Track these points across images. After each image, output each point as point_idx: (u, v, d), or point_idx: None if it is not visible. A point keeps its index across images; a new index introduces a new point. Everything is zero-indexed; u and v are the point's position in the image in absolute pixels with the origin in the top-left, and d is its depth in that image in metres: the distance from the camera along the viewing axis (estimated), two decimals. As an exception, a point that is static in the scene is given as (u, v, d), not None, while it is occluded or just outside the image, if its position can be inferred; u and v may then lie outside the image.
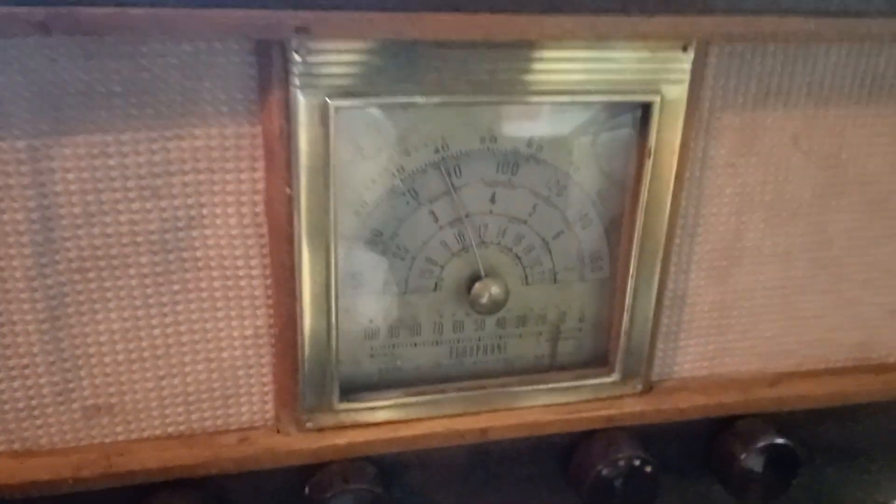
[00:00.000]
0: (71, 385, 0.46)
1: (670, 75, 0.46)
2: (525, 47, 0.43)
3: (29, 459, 0.46)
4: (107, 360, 0.46)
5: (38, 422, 0.46)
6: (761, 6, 0.44)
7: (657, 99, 0.46)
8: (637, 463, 0.50)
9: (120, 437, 0.48)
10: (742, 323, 0.56)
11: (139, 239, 0.44)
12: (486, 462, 0.52)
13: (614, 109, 0.48)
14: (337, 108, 0.42)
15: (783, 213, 0.53)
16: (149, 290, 0.45)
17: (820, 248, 0.55)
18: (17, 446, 0.46)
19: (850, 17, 0.46)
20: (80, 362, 0.46)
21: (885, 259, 0.56)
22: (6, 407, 0.45)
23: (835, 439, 0.59)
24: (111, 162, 0.42)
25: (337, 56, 0.41)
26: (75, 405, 0.46)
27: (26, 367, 0.45)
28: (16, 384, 0.45)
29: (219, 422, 0.49)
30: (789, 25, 0.45)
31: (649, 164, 0.48)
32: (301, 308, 0.46)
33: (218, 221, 0.45)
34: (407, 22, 0.40)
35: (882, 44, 0.50)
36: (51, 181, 0.41)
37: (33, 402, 0.46)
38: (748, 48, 0.48)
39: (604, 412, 0.53)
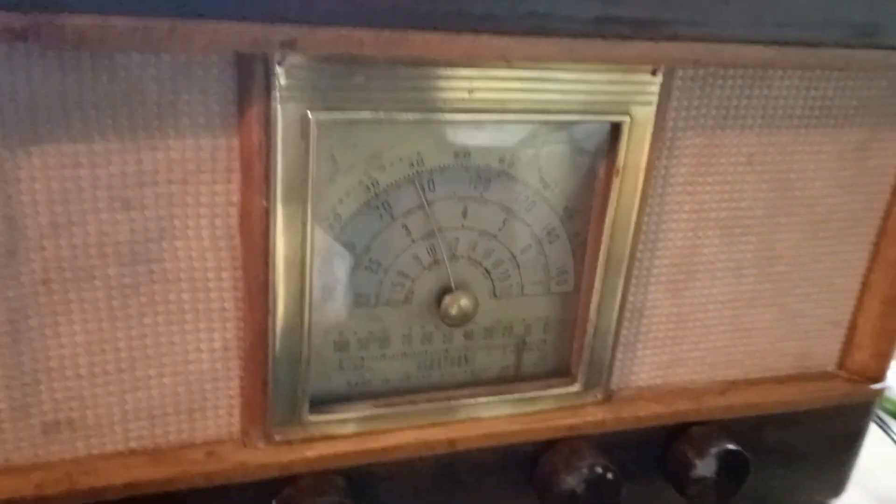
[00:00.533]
0: (30, 400, 0.44)
1: (640, 97, 0.47)
2: (503, 67, 0.44)
3: (-14, 478, 0.44)
4: (69, 373, 0.44)
5: (-6, 438, 0.44)
6: (725, 35, 0.46)
7: (627, 119, 0.48)
8: (599, 470, 0.52)
9: (81, 453, 0.46)
10: (695, 334, 0.58)
11: (108, 250, 0.43)
12: (453, 472, 0.53)
13: (584, 128, 0.49)
14: (318, 122, 0.42)
15: (736, 230, 0.55)
16: (115, 303, 0.44)
17: (767, 263, 0.58)
18: (-29, 465, 0.44)
19: (805, 46, 0.48)
20: (41, 377, 0.44)
21: (826, 274, 0.60)
22: (-40, 424, 0.43)
23: (778, 443, 0.62)
24: (82, 172, 0.40)
25: (319, 71, 0.41)
26: (34, 420, 0.45)
27: (-18, 382, 0.43)
28: (-30, 400, 0.43)
29: (184, 436, 0.48)
30: (749, 53, 0.47)
31: (617, 182, 0.49)
32: (274, 321, 0.45)
33: (190, 233, 0.44)
34: (392, 40, 0.40)
35: (832, 72, 0.52)
36: (17, 191, 0.40)
37: (-11, 419, 0.44)
38: (710, 73, 0.50)
39: (567, 421, 0.54)
